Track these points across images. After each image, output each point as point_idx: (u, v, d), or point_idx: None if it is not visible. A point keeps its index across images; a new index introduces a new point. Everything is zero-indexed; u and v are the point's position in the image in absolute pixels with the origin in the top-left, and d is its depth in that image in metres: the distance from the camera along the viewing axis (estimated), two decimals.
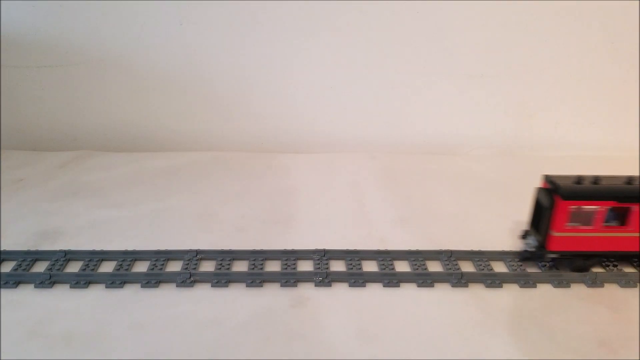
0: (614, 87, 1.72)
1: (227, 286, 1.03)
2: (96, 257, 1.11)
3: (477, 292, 1.03)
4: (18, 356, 0.86)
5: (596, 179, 1.04)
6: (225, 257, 1.12)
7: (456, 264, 1.10)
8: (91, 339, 0.90)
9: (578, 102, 1.74)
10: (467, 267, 1.11)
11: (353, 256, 1.12)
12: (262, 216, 1.31)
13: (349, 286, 1.04)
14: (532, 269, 1.10)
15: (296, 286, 1.04)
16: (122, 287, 1.03)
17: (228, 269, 1.08)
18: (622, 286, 1.05)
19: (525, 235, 1.10)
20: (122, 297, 1.00)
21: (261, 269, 1.08)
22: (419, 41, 1.66)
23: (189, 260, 1.11)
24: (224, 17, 1.62)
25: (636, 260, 1.11)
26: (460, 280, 1.05)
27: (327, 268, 1.09)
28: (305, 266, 1.10)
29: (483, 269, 1.09)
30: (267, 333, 0.92)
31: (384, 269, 1.09)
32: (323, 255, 1.12)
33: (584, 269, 1.07)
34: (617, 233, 1.05)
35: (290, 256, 1.12)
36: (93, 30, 1.63)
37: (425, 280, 1.05)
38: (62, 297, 1.00)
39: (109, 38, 1.63)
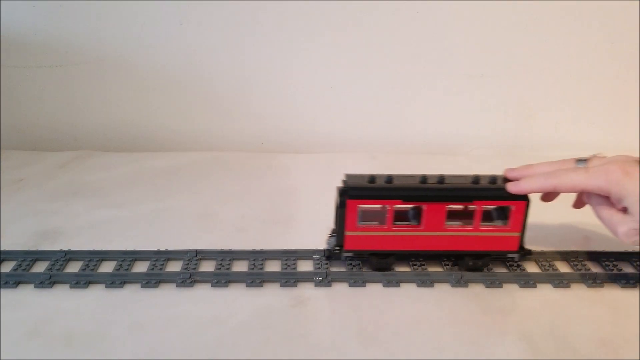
0: (614, 87, 1.72)
1: (227, 286, 1.03)
2: (96, 257, 1.11)
3: (477, 292, 1.03)
4: (18, 356, 0.86)
5: (390, 178, 1.04)
6: (225, 257, 1.11)
7: (456, 264, 1.10)
8: (91, 339, 0.90)
9: (578, 102, 1.74)
10: None
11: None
12: (262, 216, 1.31)
13: (349, 286, 1.04)
14: (532, 269, 1.10)
15: (296, 286, 1.04)
16: (122, 287, 1.03)
17: (228, 269, 1.08)
18: (622, 286, 1.05)
19: (332, 234, 1.09)
20: (122, 297, 1.00)
21: (261, 269, 1.08)
22: (419, 41, 1.66)
23: (188, 260, 1.10)
24: (224, 17, 1.62)
25: (435, 259, 1.10)
26: (460, 281, 1.05)
27: (327, 268, 1.09)
28: (305, 266, 1.10)
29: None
30: (267, 333, 0.92)
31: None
32: (323, 255, 1.12)
33: (383, 268, 1.06)
34: (411, 232, 1.04)
35: (290, 256, 1.12)
36: (93, 30, 1.63)
37: (425, 280, 1.05)
38: (62, 297, 1.00)
39: (109, 38, 1.64)
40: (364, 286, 1.04)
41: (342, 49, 1.67)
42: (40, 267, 1.08)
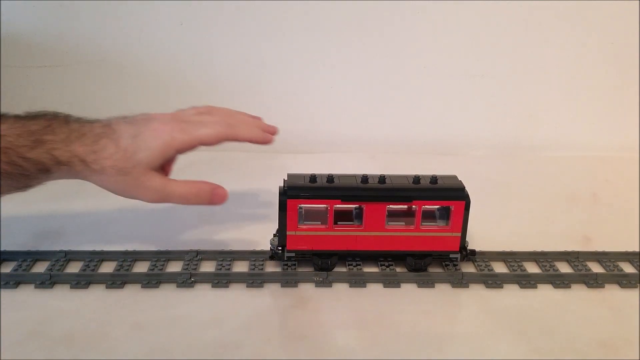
0: (614, 87, 1.72)
1: (227, 286, 1.03)
2: (96, 257, 1.10)
3: (477, 293, 1.03)
4: (18, 356, 0.86)
5: (331, 178, 1.04)
6: (226, 257, 1.11)
7: (457, 264, 1.10)
8: (92, 339, 0.90)
9: (578, 102, 1.74)
10: (467, 267, 1.11)
11: (354, 256, 1.12)
12: (263, 216, 1.31)
13: (350, 286, 1.04)
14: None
15: (296, 286, 1.04)
16: (122, 287, 1.03)
17: (228, 269, 1.08)
18: (622, 287, 1.05)
19: (275, 234, 1.09)
20: (123, 297, 1.00)
21: (261, 269, 1.08)
22: (419, 41, 1.66)
23: (189, 260, 1.10)
24: (224, 17, 1.62)
25: (382, 260, 1.10)
26: (461, 281, 1.05)
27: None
28: (306, 266, 1.10)
29: (484, 270, 1.09)
30: (268, 333, 0.92)
31: (384, 269, 1.09)
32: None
33: (326, 268, 1.06)
34: (353, 232, 1.04)
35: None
36: (93, 30, 1.63)
37: (425, 280, 1.05)
38: (62, 298, 1.00)
39: (109, 38, 1.63)
40: (365, 286, 1.04)
41: (342, 49, 1.67)
42: (40, 268, 1.08)
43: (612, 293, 1.04)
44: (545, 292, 1.04)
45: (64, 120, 0.95)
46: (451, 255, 1.07)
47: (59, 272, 1.05)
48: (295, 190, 1.02)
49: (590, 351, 0.89)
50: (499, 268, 1.10)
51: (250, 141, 1.00)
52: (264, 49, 1.66)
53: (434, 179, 1.04)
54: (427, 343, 0.91)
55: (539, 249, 1.15)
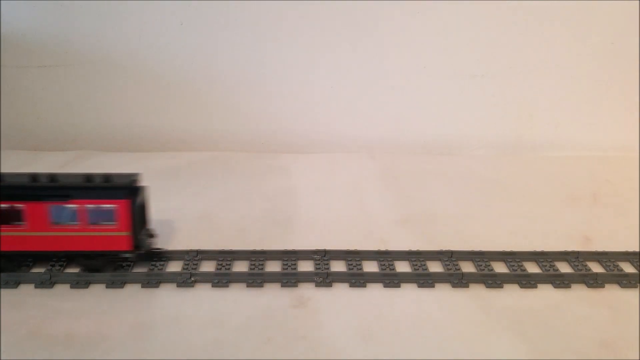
0: (614, 87, 1.72)
1: (227, 286, 1.03)
2: None
3: (477, 293, 1.03)
4: (18, 356, 0.86)
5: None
6: (226, 257, 1.11)
7: (457, 265, 1.10)
8: (92, 339, 0.90)
9: (578, 102, 1.74)
10: (467, 267, 1.11)
11: (353, 256, 1.12)
12: (262, 216, 1.31)
13: (350, 286, 1.04)
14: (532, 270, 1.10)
15: (297, 286, 1.04)
16: (122, 287, 1.03)
17: (228, 269, 1.08)
18: (622, 287, 1.05)
19: None
20: (123, 297, 1.00)
21: (261, 269, 1.08)
22: (419, 41, 1.66)
23: (189, 260, 1.10)
24: (224, 17, 1.62)
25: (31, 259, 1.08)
26: (461, 281, 1.05)
27: (328, 268, 1.09)
28: (306, 266, 1.10)
29: (484, 270, 1.09)
30: (268, 333, 0.92)
31: (385, 269, 1.09)
32: (323, 256, 1.12)
33: None
34: (16, 232, 1.02)
35: (291, 256, 1.12)
36: (93, 30, 1.62)
37: (425, 280, 1.05)
38: (62, 298, 1.00)
39: (109, 38, 1.63)
40: (365, 287, 1.04)
41: (342, 49, 1.67)
42: (40, 268, 1.08)
43: (612, 293, 1.04)
44: (545, 292, 1.04)
45: None
46: (124, 255, 1.05)
47: (59, 272, 1.05)
48: None
49: (590, 351, 0.89)
50: (499, 268, 1.10)
51: None
52: (264, 49, 1.66)
53: (105, 178, 1.03)
54: (427, 343, 0.91)
55: (539, 249, 1.15)
